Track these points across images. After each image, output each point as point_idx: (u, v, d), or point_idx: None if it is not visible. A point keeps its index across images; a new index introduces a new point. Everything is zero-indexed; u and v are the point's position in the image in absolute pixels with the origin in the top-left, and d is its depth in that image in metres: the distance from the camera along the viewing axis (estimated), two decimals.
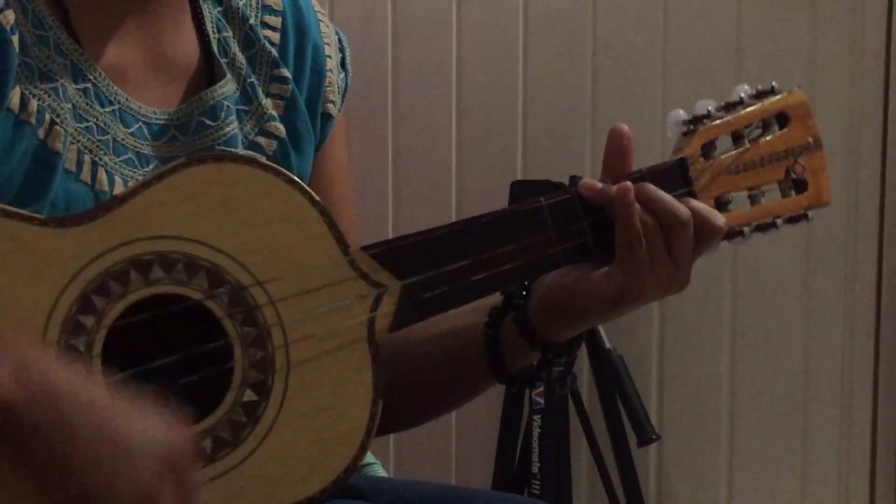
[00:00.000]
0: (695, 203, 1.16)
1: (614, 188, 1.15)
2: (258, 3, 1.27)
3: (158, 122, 1.19)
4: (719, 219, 1.16)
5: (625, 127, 1.19)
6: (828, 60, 2.43)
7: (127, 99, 1.17)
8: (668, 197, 1.15)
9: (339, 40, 1.32)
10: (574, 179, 2.31)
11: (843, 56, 2.42)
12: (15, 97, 1.11)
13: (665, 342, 2.52)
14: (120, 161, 1.16)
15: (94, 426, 0.93)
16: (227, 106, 1.21)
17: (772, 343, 2.50)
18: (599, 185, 1.16)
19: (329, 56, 1.29)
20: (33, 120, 1.12)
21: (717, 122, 1.20)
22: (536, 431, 2.25)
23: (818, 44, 2.43)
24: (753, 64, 2.44)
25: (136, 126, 1.17)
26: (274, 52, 1.25)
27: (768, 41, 2.44)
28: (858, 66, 2.42)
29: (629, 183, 1.15)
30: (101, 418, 0.93)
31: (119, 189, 1.14)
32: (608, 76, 2.48)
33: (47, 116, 1.12)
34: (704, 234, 1.15)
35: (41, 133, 1.12)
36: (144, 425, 0.95)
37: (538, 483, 2.24)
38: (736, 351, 2.51)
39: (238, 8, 1.25)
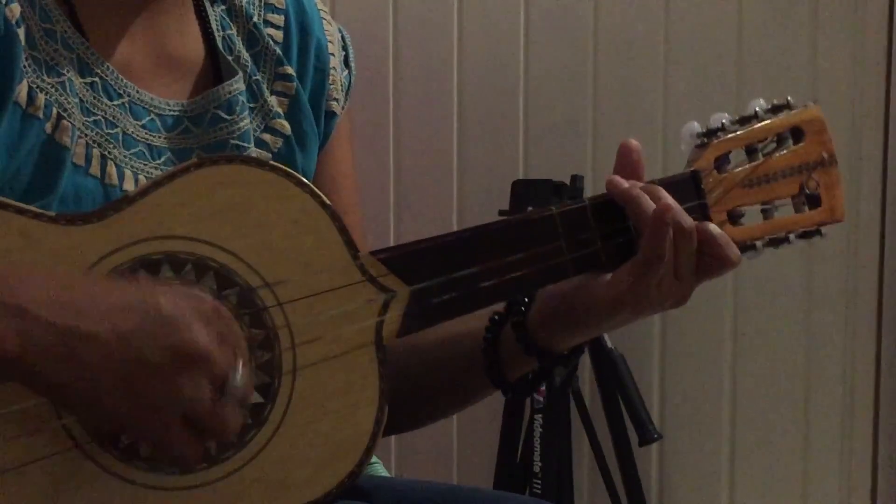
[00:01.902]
0: (713, 228, 1.14)
1: (652, 206, 1.13)
2: (261, 1, 1.27)
3: (172, 113, 1.19)
4: (734, 251, 1.14)
5: (634, 142, 1.18)
6: (829, 63, 2.43)
7: (137, 91, 1.17)
8: (675, 204, 1.14)
9: (342, 38, 1.33)
10: (576, 178, 2.32)
11: (844, 59, 2.42)
12: (22, 91, 1.11)
13: (666, 341, 2.52)
14: (130, 154, 1.16)
15: (102, 357, 0.99)
16: (242, 101, 1.21)
17: (773, 342, 2.50)
18: (625, 183, 1.15)
19: (332, 54, 1.30)
20: (41, 114, 1.12)
21: (732, 135, 1.19)
22: (538, 430, 2.25)
23: (819, 46, 2.43)
24: (755, 64, 2.44)
25: (148, 118, 1.17)
26: (278, 49, 1.25)
27: (769, 42, 2.44)
28: (859, 68, 2.42)
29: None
30: (107, 348, 0.99)
31: (129, 182, 1.15)
32: (609, 75, 2.48)
33: (54, 111, 1.12)
34: (717, 260, 1.14)
35: (48, 127, 1.12)
36: (148, 335, 1.00)
37: (540, 482, 2.24)
38: (737, 350, 2.51)
39: (241, 6, 1.25)
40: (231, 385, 1.01)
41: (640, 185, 1.15)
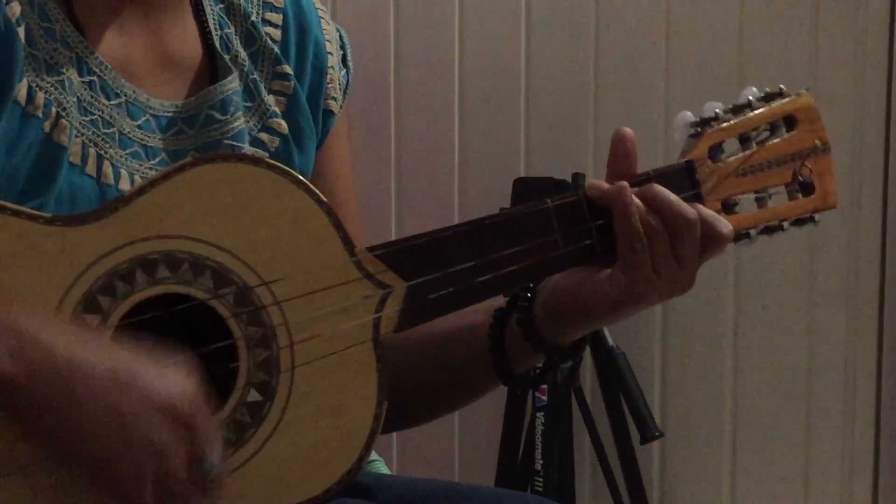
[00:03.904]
0: (702, 209, 1.15)
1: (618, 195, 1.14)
2: (259, 0, 1.27)
3: (167, 114, 1.19)
4: (725, 226, 1.15)
5: (628, 130, 1.18)
6: (830, 59, 2.42)
7: (134, 91, 1.17)
8: (675, 198, 1.14)
9: (340, 37, 1.33)
10: (577, 176, 2.31)
11: (845, 54, 2.42)
12: (22, 90, 1.11)
13: (668, 339, 2.52)
14: (126, 154, 1.16)
15: (97, 393, 0.97)
16: (236, 101, 1.21)
17: (775, 340, 2.50)
18: (606, 185, 1.16)
19: (330, 53, 1.30)
20: (40, 113, 1.12)
21: (725, 124, 1.20)
22: (540, 428, 2.25)
23: (821, 42, 2.42)
24: (756, 61, 2.44)
25: (144, 119, 1.18)
26: (275, 48, 1.26)
27: (771, 38, 2.44)
28: (861, 64, 2.42)
29: (625, 182, 1.14)
30: (104, 385, 0.98)
31: (124, 182, 1.15)
32: (611, 73, 2.48)
33: (53, 110, 1.13)
34: (710, 240, 1.15)
35: (47, 126, 1.12)
36: (146, 384, 0.99)
37: (541, 480, 2.24)
38: (739, 348, 2.51)
39: (240, 5, 1.25)
40: (206, 456, 1.01)
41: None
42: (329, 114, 1.30)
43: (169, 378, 1.00)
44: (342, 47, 1.32)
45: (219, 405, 1.08)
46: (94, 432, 0.98)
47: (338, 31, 1.32)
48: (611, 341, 2.30)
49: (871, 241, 2.46)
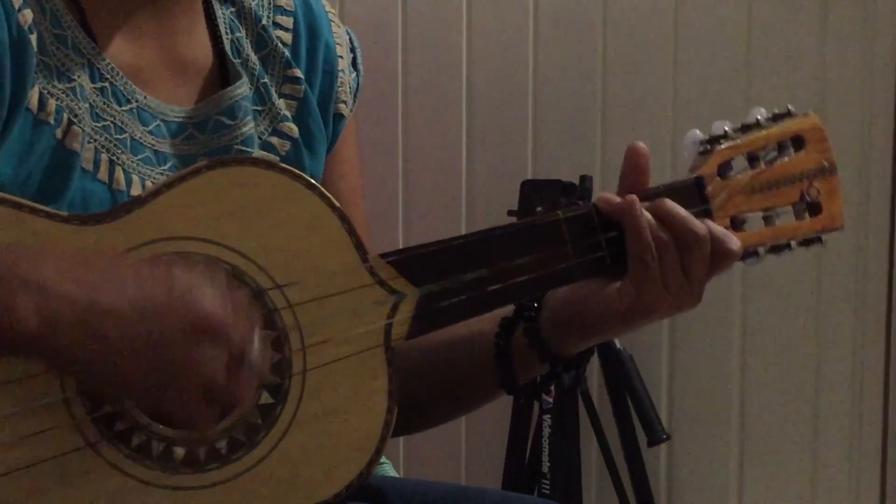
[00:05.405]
0: (711, 224, 1.16)
1: (630, 211, 1.14)
2: (270, 4, 1.27)
3: (177, 119, 1.19)
4: (735, 242, 1.16)
5: (642, 145, 1.19)
6: (838, 66, 2.43)
7: (145, 97, 1.17)
8: (685, 213, 1.15)
9: (351, 40, 1.33)
10: (585, 179, 2.32)
11: (853, 61, 2.42)
12: (34, 97, 1.12)
13: (675, 341, 2.52)
14: (137, 160, 1.16)
15: (128, 331, 0.99)
16: (245, 106, 1.21)
17: (782, 342, 2.50)
18: (617, 199, 1.16)
19: (341, 56, 1.30)
20: (51, 120, 1.12)
21: (734, 142, 1.21)
22: (546, 431, 2.25)
23: (828, 50, 2.43)
24: (763, 63, 2.44)
25: (155, 124, 1.18)
26: (286, 52, 1.26)
27: (778, 44, 2.44)
28: (869, 71, 2.42)
29: (635, 196, 1.15)
30: (132, 321, 0.99)
31: (136, 188, 1.15)
32: (618, 75, 2.48)
33: (65, 116, 1.13)
34: (719, 255, 1.15)
35: (59, 133, 1.12)
36: (172, 307, 1.01)
37: (548, 483, 2.25)
38: (746, 350, 2.51)
39: (250, 8, 1.26)
40: (247, 357, 1.02)
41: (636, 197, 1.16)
42: (339, 117, 1.30)
43: (194, 293, 1.01)
44: (352, 50, 1.32)
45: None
46: (133, 370, 1.00)
47: (348, 33, 1.33)
48: (618, 343, 2.30)
49: (878, 245, 2.46)
